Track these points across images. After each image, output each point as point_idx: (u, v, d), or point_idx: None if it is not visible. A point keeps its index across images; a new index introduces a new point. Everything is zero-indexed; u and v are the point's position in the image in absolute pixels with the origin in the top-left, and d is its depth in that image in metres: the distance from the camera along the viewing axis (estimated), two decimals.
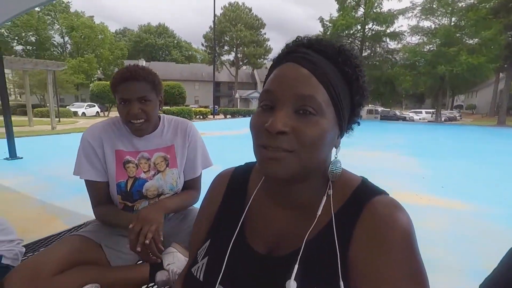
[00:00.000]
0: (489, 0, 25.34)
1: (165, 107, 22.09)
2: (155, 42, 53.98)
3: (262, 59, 53.55)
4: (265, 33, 53.35)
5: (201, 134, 1.47)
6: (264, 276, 0.54)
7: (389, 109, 35.43)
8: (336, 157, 0.58)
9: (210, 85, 43.39)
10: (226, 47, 52.40)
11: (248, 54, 50.24)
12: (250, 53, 49.88)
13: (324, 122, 0.51)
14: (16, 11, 2.36)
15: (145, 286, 1.21)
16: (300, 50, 0.54)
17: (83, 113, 24.97)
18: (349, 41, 31.95)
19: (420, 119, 32.87)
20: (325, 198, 0.56)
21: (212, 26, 31.06)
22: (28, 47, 37.63)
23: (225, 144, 11.82)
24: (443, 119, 31.05)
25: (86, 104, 26.68)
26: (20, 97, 33.75)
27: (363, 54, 32.36)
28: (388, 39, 31.54)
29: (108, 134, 1.27)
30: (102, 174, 1.26)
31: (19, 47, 37.21)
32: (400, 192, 4.90)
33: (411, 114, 34.61)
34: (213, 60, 33.04)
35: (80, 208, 1.23)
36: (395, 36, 30.94)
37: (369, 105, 37.77)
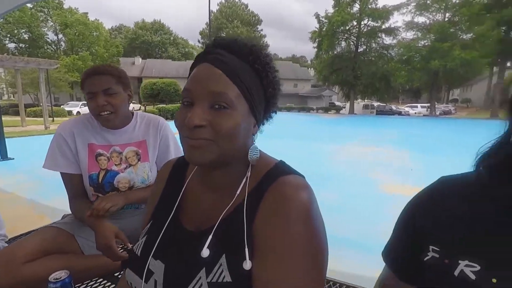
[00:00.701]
0: None
1: (161, 105, 22.02)
2: (151, 39, 53.64)
3: None
4: (261, 30, 53.33)
5: None
6: (188, 248, 0.62)
7: (385, 104, 35.58)
8: (253, 143, 0.65)
9: None
10: None
11: None
12: None
13: (237, 115, 0.58)
14: (8, 7, 2.34)
15: (118, 273, 1.29)
16: (215, 51, 0.60)
17: (78, 112, 24.85)
18: (344, 37, 32.00)
19: (415, 113, 33.04)
20: (244, 180, 0.64)
21: (208, 22, 30.77)
22: (21, 45, 37.24)
23: None
24: (438, 113, 31.25)
25: (81, 103, 26.51)
26: (13, 97, 33.52)
27: (359, 50, 32.45)
28: (383, 35, 31.65)
29: (80, 128, 1.35)
30: (75, 166, 1.33)
31: (11, 45, 36.88)
32: (390, 184, 5.01)
33: (406, 109, 34.79)
34: None
35: (67, 205, 1.32)
36: (390, 31, 31.04)
37: (365, 100, 37.96)
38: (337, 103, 40.84)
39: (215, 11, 50.83)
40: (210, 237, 0.59)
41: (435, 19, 28.92)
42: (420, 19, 30.05)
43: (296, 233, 0.55)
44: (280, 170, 0.64)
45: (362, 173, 6.56)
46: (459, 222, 0.52)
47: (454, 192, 0.56)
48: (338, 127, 19.31)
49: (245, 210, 0.59)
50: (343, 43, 32.57)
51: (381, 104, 35.31)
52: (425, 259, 0.54)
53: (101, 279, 1.25)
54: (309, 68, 55.67)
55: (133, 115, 1.46)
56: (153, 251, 0.64)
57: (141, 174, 1.41)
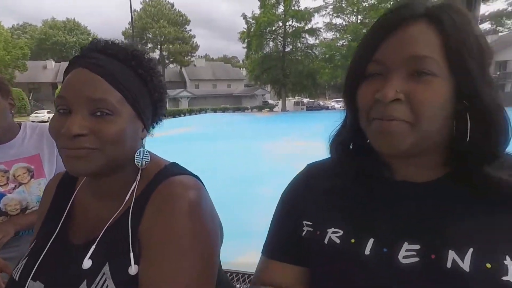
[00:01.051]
0: (385, 1, 28.88)
1: None
2: (65, 39, 48.31)
3: (189, 57, 52.35)
4: (190, 30, 52.22)
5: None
6: (72, 262, 0.58)
7: (313, 100, 38.05)
8: (142, 147, 0.64)
9: None
10: (149, 45, 49.79)
11: (173, 52, 48.58)
12: (176, 50, 48.32)
13: (121, 120, 0.56)
14: None
15: None
16: (92, 55, 0.58)
17: None
18: (272, 37, 33.24)
19: (340, 107, 35.32)
20: (134, 184, 0.62)
21: (131, 21, 29.04)
22: None
23: (153, 147, 11.38)
24: None
25: None
26: None
27: (286, 50, 34.08)
28: (307, 35, 33.76)
29: None
30: None
31: None
32: None
33: (332, 104, 37.69)
34: None
35: None
36: (313, 32, 33.28)
37: (296, 97, 40.09)
38: (271, 102, 42.30)
39: (139, 10, 48.17)
40: (93, 247, 0.57)
41: (350, 21, 31.91)
42: (338, 21, 32.87)
43: (180, 231, 0.55)
44: (169, 171, 0.64)
45: (295, 166, 6.95)
46: (323, 197, 0.59)
47: (318, 173, 0.63)
48: (271, 124, 20.04)
49: (131, 214, 0.59)
50: (271, 43, 33.88)
51: (310, 100, 37.72)
52: (302, 234, 0.58)
53: None
54: (241, 68, 56.51)
55: (20, 126, 1.27)
56: (32, 273, 0.59)
57: (36, 193, 1.23)
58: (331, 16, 32.38)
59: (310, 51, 34.31)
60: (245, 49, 34.33)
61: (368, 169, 0.54)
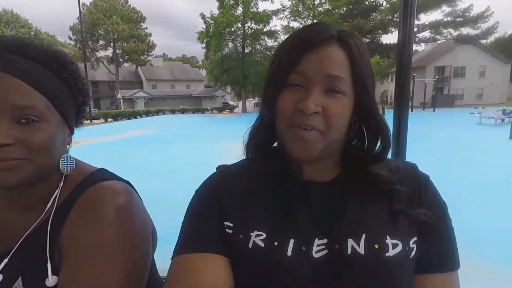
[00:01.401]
0: (339, 6, 30.53)
1: None
2: (1, 32, 44.02)
3: (145, 56, 50.35)
4: (146, 28, 50.28)
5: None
6: None
7: None
8: (67, 153, 0.62)
9: None
10: (101, 42, 47.04)
11: (128, 50, 46.39)
12: (131, 49, 46.18)
13: (50, 127, 0.55)
14: None
15: None
16: (9, 57, 0.53)
17: None
18: (231, 38, 33.29)
19: None
20: (56, 192, 0.60)
21: (79, 16, 27.25)
22: None
23: (104, 151, 10.84)
24: None
25: None
26: None
27: (246, 51, 34.34)
28: (265, 37, 34.30)
29: None
30: None
31: None
32: None
33: None
34: (83, 56, 29.07)
35: None
36: (271, 34, 33.89)
37: (256, 99, 40.47)
38: (231, 103, 42.31)
39: (88, 4, 45.32)
40: (5, 260, 0.54)
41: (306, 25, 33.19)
42: (295, 24, 33.86)
43: (106, 237, 0.53)
44: (96, 177, 0.62)
45: None
46: (241, 198, 0.59)
47: (232, 175, 0.63)
48: (232, 125, 20.06)
49: (51, 223, 0.56)
50: (231, 44, 33.88)
51: None
52: (225, 234, 0.57)
53: None
54: (201, 69, 55.73)
55: None
56: None
57: None
58: (288, 20, 33.34)
59: (269, 53, 34.93)
60: (204, 49, 33.96)
61: (283, 170, 0.58)
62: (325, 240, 0.53)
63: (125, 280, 0.53)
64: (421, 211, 0.55)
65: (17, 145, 0.51)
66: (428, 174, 0.61)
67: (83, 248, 0.53)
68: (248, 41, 33.90)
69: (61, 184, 0.60)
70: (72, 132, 0.64)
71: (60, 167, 0.59)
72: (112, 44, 46.44)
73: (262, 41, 34.46)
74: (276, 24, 70.46)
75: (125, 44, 45.79)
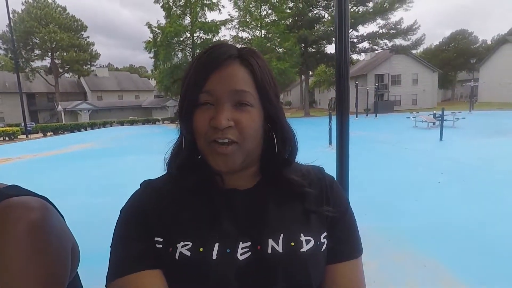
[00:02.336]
0: (285, 18, 31.78)
1: None
2: None
3: (88, 66, 47.34)
4: (88, 37, 47.40)
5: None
6: None
7: None
8: None
9: (18, 98, 34.62)
10: (37, 51, 43.29)
11: (68, 60, 43.28)
12: (71, 58, 43.17)
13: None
14: None
15: None
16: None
17: None
18: (180, 48, 32.82)
19: None
20: None
21: (9, 23, 24.74)
22: None
23: (38, 168, 9.91)
24: None
25: None
26: None
27: None
28: None
29: None
30: None
31: None
32: None
33: None
34: (16, 67, 26.36)
35: None
36: None
37: None
38: None
39: (21, 12, 41.51)
40: None
41: (254, 35, 33.88)
42: (244, 34, 34.51)
43: (13, 254, 0.50)
44: (5, 194, 0.57)
45: None
46: (168, 212, 0.61)
47: (157, 189, 0.64)
48: None
49: None
50: (180, 54, 33.34)
51: None
52: (156, 249, 0.59)
53: None
54: (150, 79, 53.93)
55: None
56: None
57: None
58: (237, 30, 33.81)
59: None
60: (153, 59, 32.96)
61: (206, 181, 0.63)
62: (249, 243, 0.58)
63: None
64: (328, 209, 0.63)
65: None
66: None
67: None
68: (197, 51, 33.69)
69: None
70: None
71: None
72: (50, 53, 43.01)
73: None
74: (225, 34, 71.23)
75: (64, 53, 42.70)
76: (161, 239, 0.59)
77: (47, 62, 44.78)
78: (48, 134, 25.34)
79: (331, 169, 0.78)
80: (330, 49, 38.62)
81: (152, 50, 31.63)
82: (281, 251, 0.57)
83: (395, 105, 38.56)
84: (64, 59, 42.97)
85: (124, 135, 22.34)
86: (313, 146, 10.69)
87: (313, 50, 36.44)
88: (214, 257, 0.56)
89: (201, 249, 0.56)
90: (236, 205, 0.62)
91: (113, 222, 0.63)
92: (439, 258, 3.23)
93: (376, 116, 28.45)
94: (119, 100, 43.76)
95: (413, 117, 18.59)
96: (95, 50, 47.22)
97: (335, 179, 0.70)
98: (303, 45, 33.76)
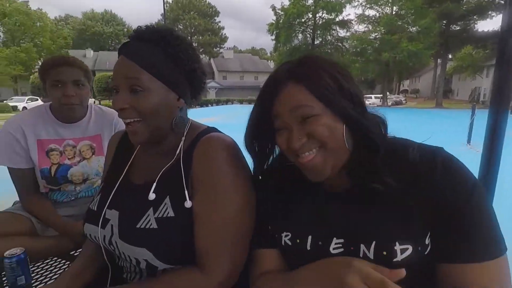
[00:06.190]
0: None
1: None
2: (103, 30, 50.49)
3: (218, 48, 52.80)
4: (219, 22, 52.57)
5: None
6: (138, 196, 0.75)
7: None
8: (184, 114, 0.79)
9: None
10: None
11: (203, 43, 49.25)
12: (206, 42, 48.96)
13: (153, 95, 0.70)
14: None
15: (73, 252, 1.34)
16: (130, 43, 0.72)
17: (24, 107, 22.87)
18: (301, 29, 32.67)
19: (370, 104, 33.58)
20: (181, 143, 0.79)
21: (163, 13, 29.64)
22: None
23: None
24: (390, 104, 33.24)
25: (27, 97, 24.35)
26: None
27: (316, 42, 33.39)
28: (337, 28, 32.81)
29: (30, 124, 1.33)
30: (26, 161, 1.32)
31: None
32: None
33: None
34: None
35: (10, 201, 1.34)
36: (344, 24, 32.28)
37: None
38: None
39: (171, 2, 49.07)
40: (154, 184, 0.73)
41: (384, 13, 30.54)
42: (371, 12, 31.59)
43: (222, 173, 0.71)
44: (209, 130, 0.80)
45: None
46: (275, 206, 0.73)
47: (272, 181, 0.75)
48: None
49: (182, 161, 0.75)
50: (300, 36, 33.28)
51: None
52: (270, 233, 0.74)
53: (56, 258, 1.29)
54: (269, 61, 56.14)
55: (87, 107, 1.46)
56: (107, 202, 0.77)
57: (95, 167, 1.43)
58: (363, 7, 31.14)
59: (341, 44, 33.42)
60: (274, 41, 34.02)
61: (306, 180, 0.66)
62: (342, 240, 0.62)
63: (239, 207, 0.71)
64: (435, 201, 0.56)
65: (130, 109, 0.70)
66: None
67: (206, 183, 0.71)
68: (318, 32, 32.88)
69: (183, 138, 0.79)
70: (184, 97, 0.77)
71: (173, 125, 0.76)
72: (189, 38, 49.71)
73: (333, 31, 33.10)
74: (349, 13, 66.71)
75: (200, 37, 48.67)
76: (271, 227, 0.73)
77: None
78: None
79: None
80: (483, 26, 31.30)
81: (274, 32, 32.61)
82: (372, 258, 0.57)
83: None
84: (199, 42, 49.13)
85: (244, 112, 24.20)
86: (443, 143, 9.11)
87: (458, 28, 30.35)
88: (308, 247, 0.65)
89: (298, 240, 0.67)
90: (331, 205, 0.67)
91: None
92: None
93: None
94: (240, 80, 47.50)
95: None
96: (224, 34, 52.11)
97: (457, 159, 0.59)
98: (444, 22, 28.55)
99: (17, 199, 1.42)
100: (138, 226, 0.70)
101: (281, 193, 0.73)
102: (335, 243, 0.63)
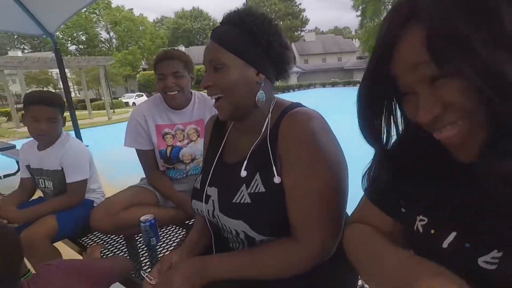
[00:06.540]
0: None
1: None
2: (192, 26, 54.84)
3: (299, 32, 51.85)
4: (300, 4, 51.33)
5: None
6: (232, 174, 0.80)
7: None
8: (259, 90, 0.78)
9: None
10: None
11: (284, 28, 48.92)
12: (286, 26, 48.62)
13: (231, 70, 0.75)
14: (68, 15, 2.68)
15: (188, 221, 1.59)
16: (217, 28, 0.79)
17: (133, 103, 26.92)
18: (390, 1, 29.41)
19: None
20: (267, 120, 0.81)
21: (245, 2, 30.49)
22: (80, 46, 40.79)
23: None
24: None
25: (135, 94, 28.55)
26: (79, 93, 37.05)
27: None
28: None
29: (150, 111, 1.60)
30: (149, 143, 1.61)
31: (72, 47, 40.49)
32: None
33: None
34: None
35: (136, 181, 1.65)
36: None
37: None
38: None
39: None
40: (245, 162, 0.78)
41: None
42: None
43: (308, 150, 0.71)
44: (294, 106, 0.81)
45: None
46: (412, 183, 0.55)
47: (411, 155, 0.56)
48: None
49: (268, 138, 0.77)
50: (390, 8, 30.05)
51: None
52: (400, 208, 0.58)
53: (175, 226, 1.56)
54: (354, 39, 52.53)
55: (192, 95, 1.66)
56: (207, 182, 0.86)
57: (201, 149, 1.62)
58: None
59: None
60: (359, 18, 31.58)
61: (443, 154, 0.49)
62: (500, 254, 0.41)
63: (326, 182, 0.71)
64: None
65: (213, 86, 0.77)
66: None
67: (293, 159, 0.72)
68: None
69: (269, 114, 0.81)
70: (265, 72, 0.78)
71: (256, 99, 0.78)
72: None
73: None
74: None
75: (281, 22, 48.43)
76: (404, 203, 0.58)
77: None
78: None
79: None
80: None
81: (360, 7, 30.24)
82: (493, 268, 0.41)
83: None
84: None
85: (328, 95, 23.45)
86: None
87: None
88: (445, 245, 0.47)
89: (432, 231, 0.50)
90: (476, 185, 0.45)
91: None
92: None
93: None
94: (323, 63, 45.78)
95: None
96: (305, 16, 50.69)
97: None
98: None
99: (143, 176, 1.71)
100: (234, 201, 0.76)
101: (422, 168, 0.54)
102: (492, 257, 0.42)
